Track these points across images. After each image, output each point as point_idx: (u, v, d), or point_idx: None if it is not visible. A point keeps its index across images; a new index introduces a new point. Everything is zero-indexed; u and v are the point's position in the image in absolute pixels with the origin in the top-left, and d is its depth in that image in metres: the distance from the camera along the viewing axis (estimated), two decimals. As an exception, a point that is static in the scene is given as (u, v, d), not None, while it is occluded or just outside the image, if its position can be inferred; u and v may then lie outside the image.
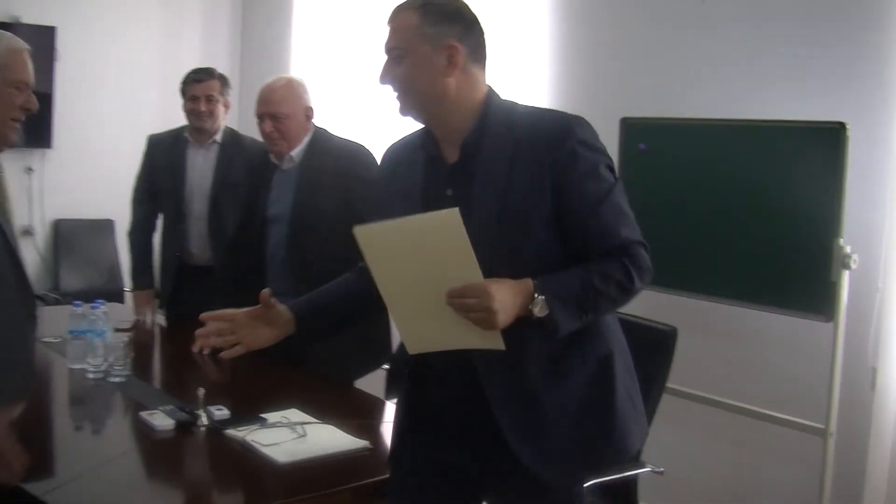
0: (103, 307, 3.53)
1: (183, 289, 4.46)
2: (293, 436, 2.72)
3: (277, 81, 3.74)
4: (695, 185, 3.97)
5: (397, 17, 2.18)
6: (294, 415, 2.88)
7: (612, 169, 2.17)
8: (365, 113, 5.79)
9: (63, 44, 6.53)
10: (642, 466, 2.94)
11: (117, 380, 3.29)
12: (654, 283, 3.93)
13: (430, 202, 2.16)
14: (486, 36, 2.23)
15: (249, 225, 3.82)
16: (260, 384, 3.36)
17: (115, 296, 5.54)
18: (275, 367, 3.25)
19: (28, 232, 6.60)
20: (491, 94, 2.22)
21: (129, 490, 2.50)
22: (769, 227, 3.71)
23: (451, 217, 1.90)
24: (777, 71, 4.04)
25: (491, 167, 2.14)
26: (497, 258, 2.05)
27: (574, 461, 2.18)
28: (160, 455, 2.75)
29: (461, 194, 2.15)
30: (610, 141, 4.09)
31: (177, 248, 4.48)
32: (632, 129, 4.16)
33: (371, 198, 2.85)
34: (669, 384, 3.21)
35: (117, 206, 5.38)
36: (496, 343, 2.00)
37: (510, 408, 2.13)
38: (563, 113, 2.23)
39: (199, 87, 4.37)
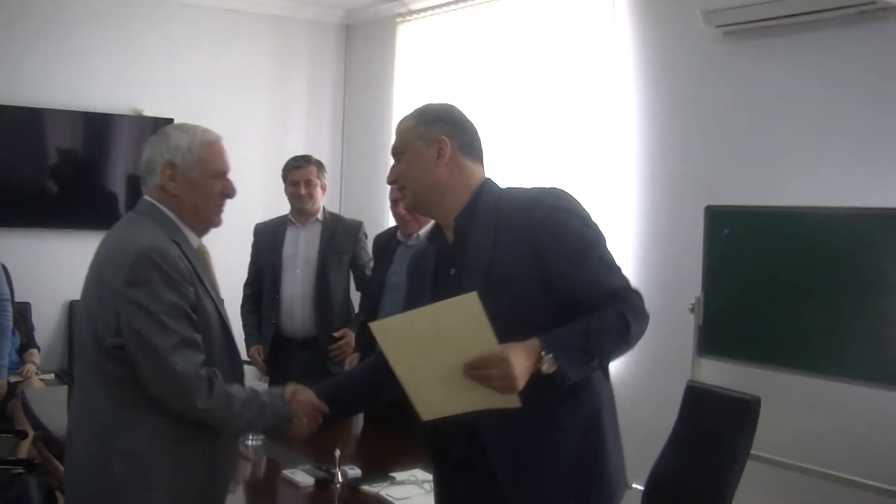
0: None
1: (279, 358, 4.85)
2: (421, 491, 3.06)
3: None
4: (775, 266, 4.28)
5: (401, 123, 2.50)
6: (419, 473, 3.22)
7: (592, 227, 2.33)
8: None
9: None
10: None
11: (255, 443, 3.60)
12: (737, 357, 4.26)
13: (438, 283, 2.46)
14: (478, 135, 2.48)
15: (369, 294, 4.25)
16: (384, 446, 3.71)
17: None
18: (394, 430, 3.59)
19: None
20: (486, 182, 2.45)
21: None
22: (848, 304, 4.01)
23: (470, 301, 2.06)
24: (848, 158, 4.37)
25: (478, 244, 2.35)
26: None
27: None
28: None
29: (460, 272, 2.38)
30: (696, 227, 4.45)
31: (274, 317, 4.85)
32: (716, 216, 4.50)
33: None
34: (754, 451, 3.45)
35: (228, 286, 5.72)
36: (513, 402, 2.11)
37: (508, 462, 2.30)
38: (541, 187, 2.42)
39: (299, 172, 4.80)
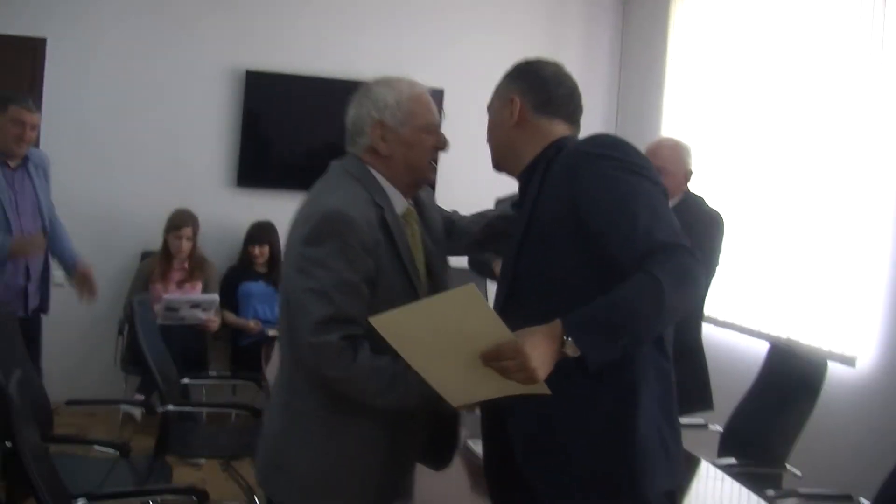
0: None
1: None
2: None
3: (667, 140, 4.06)
4: None
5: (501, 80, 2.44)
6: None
7: (638, 174, 2.11)
8: (740, 179, 5.80)
9: (449, 105, 7.10)
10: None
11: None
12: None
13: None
14: (566, 91, 2.36)
15: None
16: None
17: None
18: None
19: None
20: (563, 139, 2.32)
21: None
22: None
23: (469, 293, 1.88)
24: None
25: (528, 195, 2.27)
26: (521, 277, 2.19)
27: (592, 496, 2.15)
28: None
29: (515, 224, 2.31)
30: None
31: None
32: None
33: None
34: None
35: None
36: (541, 389, 1.95)
37: (528, 440, 2.18)
38: (598, 134, 2.26)
39: None
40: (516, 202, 2.43)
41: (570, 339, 1.92)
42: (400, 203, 2.49)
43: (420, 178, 2.52)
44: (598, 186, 2.09)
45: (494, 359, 1.92)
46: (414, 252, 2.48)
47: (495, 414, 2.26)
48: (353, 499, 2.46)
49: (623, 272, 1.98)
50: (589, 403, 2.12)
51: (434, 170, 2.54)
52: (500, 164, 2.43)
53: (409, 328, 2.02)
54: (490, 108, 2.44)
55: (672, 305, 1.95)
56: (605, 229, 2.05)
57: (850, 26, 5.07)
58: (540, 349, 1.90)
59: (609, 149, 2.14)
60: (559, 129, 2.34)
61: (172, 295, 5.95)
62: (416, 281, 2.44)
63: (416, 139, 2.44)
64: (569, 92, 2.37)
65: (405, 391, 2.27)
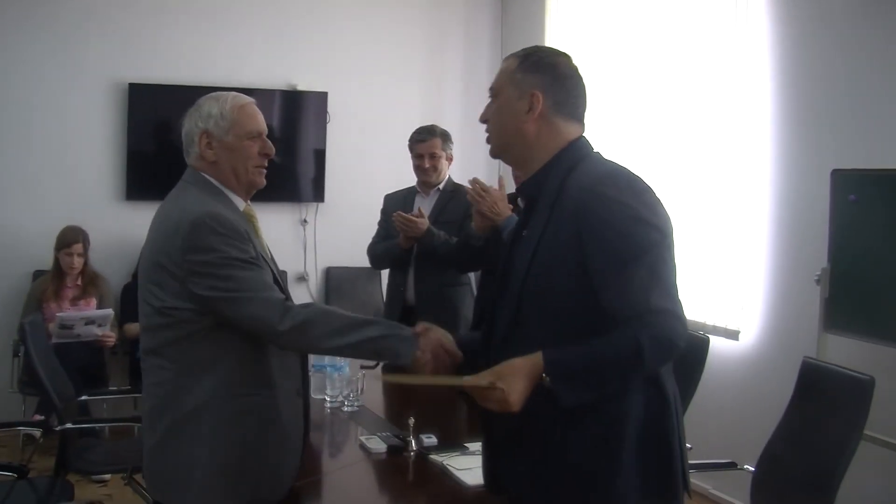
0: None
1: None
2: (486, 462, 3.03)
3: None
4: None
5: (505, 60, 2.40)
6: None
7: (651, 228, 2.13)
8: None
9: (333, 107, 7.20)
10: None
11: (350, 409, 3.72)
12: (852, 330, 4.00)
13: (513, 243, 2.41)
14: (581, 93, 2.34)
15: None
16: (469, 417, 3.66)
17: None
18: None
19: (303, 278, 7.29)
20: (575, 143, 2.31)
21: (349, 491, 3.01)
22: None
23: (479, 379, 2.13)
24: None
25: (539, 213, 2.27)
26: (526, 300, 2.23)
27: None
28: (375, 471, 3.14)
29: (525, 238, 2.32)
30: (822, 192, 4.20)
31: (401, 284, 4.88)
32: (842, 180, 4.23)
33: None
34: (868, 432, 3.28)
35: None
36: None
37: (512, 453, 2.28)
38: (612, 167, 2.26)
39: (423, 145, 4.86)
40: (514, 194, 2.52)
41: (547, 378, 2.06)
42: (239, 203, 2.71)
43: (246, 182, 2.70)
44: (605, 235, 2.11)
45: (480, 397, 2.12)
46: (263, 245, 2.73)
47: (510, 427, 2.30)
48: (257, 484, 2.58)
49: (613, 318, 2.10)
50: (576, 428, 2.17)
51: (262, 174, 2.71)
52: (502, 153, 2.42)
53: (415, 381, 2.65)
54: (499, 94, 2.36)
55: (648, 368, 2.12)
56: (603, 280, 2.11)
57: (720, 20, 5.32)
58: (518, 388, 2.07)
59: (625, 195, 2.14)
60: (573, 129, 2.33)
61: (66, 312, 5.91)
62: (276, 270, 2.69)
63: (239, 145, 2.65)
64: (583, 92, 2.36)
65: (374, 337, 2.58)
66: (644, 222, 2.12)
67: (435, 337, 2.61)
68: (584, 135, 2.36)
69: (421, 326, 2.64)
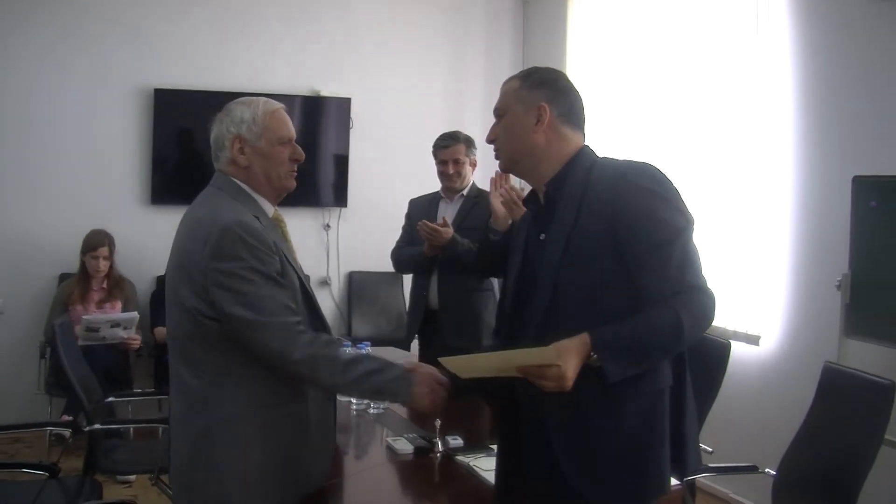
0: (368, 348, 3.96)
1: (426, 331, 4.92)
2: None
3: None
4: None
5: (505, 83, 2.53)
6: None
7: (680, 212, 2.30)
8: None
9: (356, 113, 7.27)
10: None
11: (375, 411, 3.79)
12: (873, 335, 4.00)
13: (529, 246, 2.50)
14: (581, 103, 2.49)
15: None
16: (493, 418, 3.68)
17: (401, 342, 5.69)
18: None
19: (325, 282, 7.36)
20: (583, 150, 2.46)
21: (376, 491, 3.04)
22: None
23: (549, 353, 2.17)
24: None
25: (564, 210, 2.38)
26: (561, 292, 2.32)
27: (626, 491, 2.36)
28: (402, 471, 3.19)
29: (547, 239, 2.41)
30: (843, 198, 4.22)
31: (424, 288, 4.90)
32: (864, 187, 4.25)
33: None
34: (889, 436, 3.31)
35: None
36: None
37: (565, 435, 2.35)
38: (630, 162, 2.39)
39: (447, 151, 4.87)
40: (526, 200, 2.60)
41: (595, 355, 2.19)
42: (269, 208, 2.73)
43: (278, 186, 2.73)
44: (641, 223, 2.26)
45: (537, 376, 2.19)
46: (291, 249, 2.75)
47: (537, 425, 2.41)
48: (290, 489, 2.62)
49: (650, 298, 2.26)
50: (620, 415, 2.34)
51: (293, 178, 2.75)
52: (514, 168, 2.56)
53: (476, 362, 2.47)
54: (505, 112, 2.50)
55: (687, 339, 2.29)
56: (641, 264, 2.27)
57: (741, 27, 5.34)
58: (572, 365, 2.17)
59: (652, 183, 2.30)
60: (578, 138, 2.49)
61: (92, 315, 5.98)
62: (302, 275, 2.69)
63: (271, 151, 2.68)
64: (582, 104, 2.52)
65: (376, 375, 2.59)
66: (673, 207, 2.30)
67: (427, 371, 2.68)
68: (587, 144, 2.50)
69: (409, 363, 2.71)
